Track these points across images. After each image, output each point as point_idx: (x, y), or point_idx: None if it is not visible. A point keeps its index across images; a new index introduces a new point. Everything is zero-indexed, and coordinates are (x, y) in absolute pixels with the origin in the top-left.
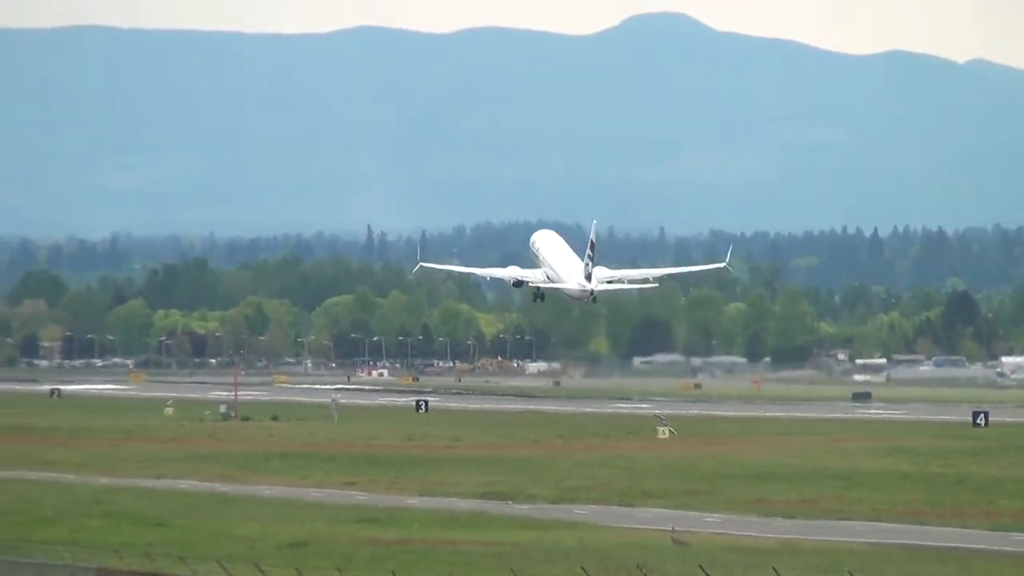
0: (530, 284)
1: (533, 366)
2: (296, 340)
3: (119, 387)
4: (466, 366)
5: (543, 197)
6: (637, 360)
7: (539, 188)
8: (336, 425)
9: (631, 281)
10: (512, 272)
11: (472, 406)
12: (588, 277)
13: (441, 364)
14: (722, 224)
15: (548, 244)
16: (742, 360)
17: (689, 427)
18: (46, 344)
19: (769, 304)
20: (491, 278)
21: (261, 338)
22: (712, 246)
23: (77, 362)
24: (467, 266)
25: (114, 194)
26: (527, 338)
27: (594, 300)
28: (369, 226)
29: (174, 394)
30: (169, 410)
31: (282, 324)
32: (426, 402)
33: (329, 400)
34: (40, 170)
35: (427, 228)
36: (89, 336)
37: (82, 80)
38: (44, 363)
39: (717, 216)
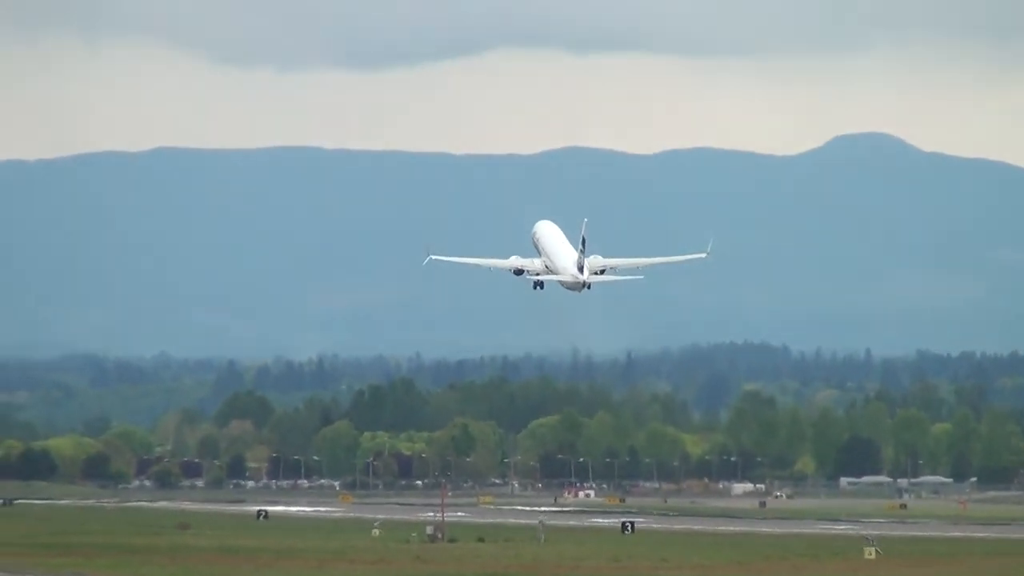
0: (528, 274)
1: (739, 487)
2: (502, 461)
3: (326, 508)
4: (672, 487)
5: (749, 318)
6: (844, 481)
7: (745, 309)
8: (543, 546)
9: (623, 270)
10: (513, 262)
11: (678, 527)
12: (581, 268)
13: (647, 485)
14: (928, 344)
15: (548, 235)
16: (948, 480)
17: (895, 548)
18: (253, 465)
19: (975, 424)
20: (493, 268)
21: (468, 459)
22: (918, 367)
23: (284, 483)
24: (474, 256)
25: (321, 315)
26: (733, 459)
27: (588, 288)
28: (576, 347)
29: (381, 515)
30: (376, 531)
31: (488, 445)
32: (632, 523)
33: (536, 521)
34: (248, 292)
35: (633, 349)
36: (296, 457)
37: (288, 200)
38: (251, 484)
39: (922, 337)
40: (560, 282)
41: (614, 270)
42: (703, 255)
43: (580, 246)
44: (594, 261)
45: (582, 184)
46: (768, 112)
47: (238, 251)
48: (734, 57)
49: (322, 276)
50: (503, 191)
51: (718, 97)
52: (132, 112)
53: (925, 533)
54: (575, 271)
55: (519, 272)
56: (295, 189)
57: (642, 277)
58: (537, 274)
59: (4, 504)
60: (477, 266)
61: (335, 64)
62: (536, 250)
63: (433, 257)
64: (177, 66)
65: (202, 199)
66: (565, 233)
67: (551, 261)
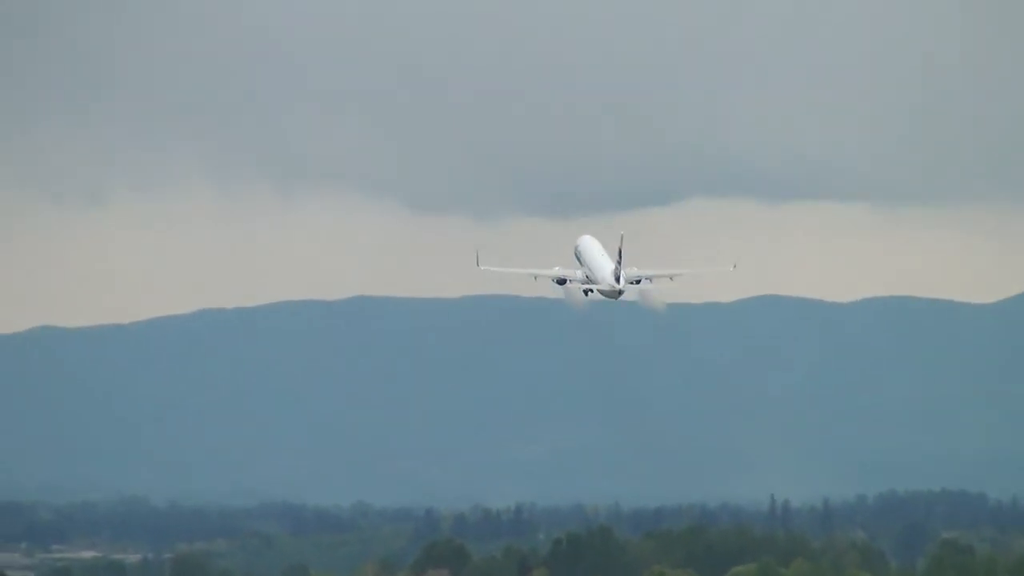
0: (571, 282)
1: None
2: None
3: None
4: None
5: (945, 464)
6: None
7: (941, 455)
8: None
9: (657, 278)
10: (556, 272)
11: None
12: (617, 278)
13: None
14: None
15: (588, 248)
16: None
17: None
18: None
19: None
20: (537, 277)
21: None
22: None
23: None
24: (525, 267)
25: (519, 463)
26: None
27: (621, 294)
28: (772, 495)
29: None
30: None
31: None
32: None
33: None
34: (445, 439)
35: (830, 496)
36: None
37: (486, 347)
38: None
39: None
40: (599, 290)
41: (649, 280)
42: (730, 268)
43: (617, 258)
44: (630, 272)
45: (779, 332)
46: (964, 259)
47: (435, 398)
48: (926, 205)
49: (520, 423)
50: (703, 339)
51: (912, 245)
52: (329, 261)
53: None
54: (612, 280)
55: (562, 281)
56: (493, 336)
57: (672, 281)
58: (582, 282)
59: None
60: (525, 275)
61: (533, 212)
62: (578, 261)
63: (482, 267)
64: (372, 215)
65: (400, 346)
66: (607, 248)
67: (591, 271)
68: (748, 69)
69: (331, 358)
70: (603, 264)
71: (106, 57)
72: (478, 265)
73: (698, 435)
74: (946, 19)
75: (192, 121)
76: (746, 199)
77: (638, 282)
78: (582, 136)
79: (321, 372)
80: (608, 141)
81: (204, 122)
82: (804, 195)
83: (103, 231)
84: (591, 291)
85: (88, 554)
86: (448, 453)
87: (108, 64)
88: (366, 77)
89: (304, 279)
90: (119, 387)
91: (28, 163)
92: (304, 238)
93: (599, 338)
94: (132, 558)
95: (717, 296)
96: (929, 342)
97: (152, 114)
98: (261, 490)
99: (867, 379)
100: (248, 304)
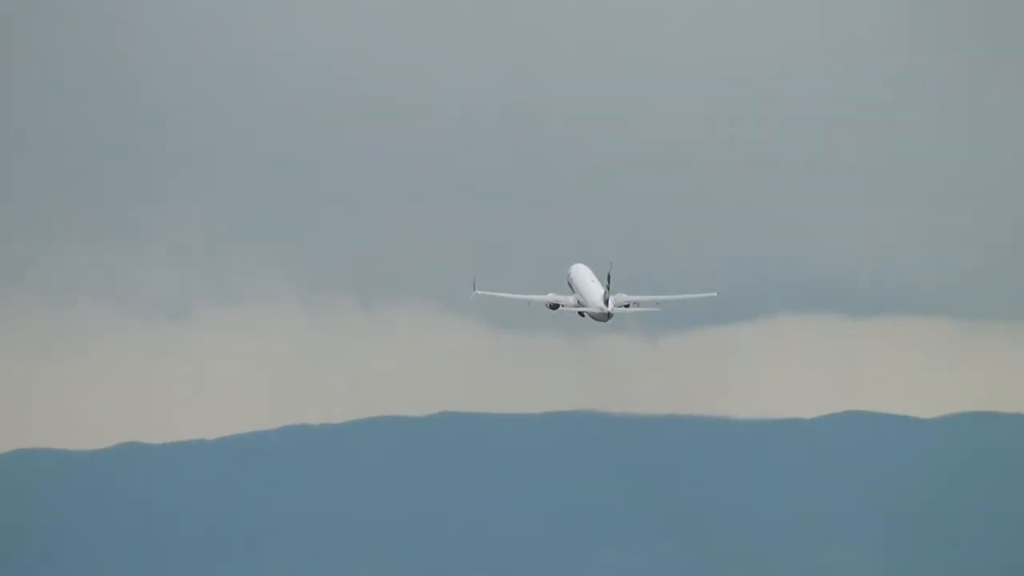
0: (563, 307)
1: None
2: None
3: None
4: None
5: None
6: None
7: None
8: None
9: (644, 304)
10: (549, 298)
11: None
12: (606, 302)
13: None
14: None
15: (579, 275)
16: None
17: None
18: None
19: None
20: (530, 303)
21: None
22: None
23: None
24: (521, 294)
25: (609, 574)
26: None
27: (610, 317)
28: None
29: None
30: None
31: None
32: None
33: None
34: (535, 552)
35: None
36: None
37: (568, 463)
38: None
39: None
40: (589, 313)
41: (637, 304)
42: (712, 294)
43: (606, 283)
44: (619, 297)
45: (863, 448)
46: None
47: (523, 510)
48: (1007, 319)
49: (602, 536)
50: (786, 455)
51: (994, 360)
52: (413, 376)
53: None
54: (601, 304)
55: (555, 307)
56: (579, 451)
57: (659, 309)
58: (574, 307)
59: None
60: (520, 301)
61: (619, 328)
62: (570, 288)
63: (478, 292)
64: (456, 328)
65: (486, 462)
66: (596, 273)
67: (582, 296)
68: (830, 186)
69: (417, 472)
70: (593, 289)
71: (185, 169)
72: (475, 290)
73: (783, 550)
74: None
75: (275, 234)
76: (828, 314)
77: (627, 306)
78: (668, 251)
79: (408, 488)
80: (695, 258)
81: (286, 235)
82: (886, 310)
83: (186, 345)
84: (583, 314)
85: None
86: (537, 565)
87: (189, 176)
88: (448, 189)
89: (390, 394)
90: (204, 504)
91: (109, 277)
92: (389, 352)
93: (685, 453)
94: None
95: (799, 412)
96: (1015, 457)
97: (234, 226)
98: None
99: (951, 495)
100: (334, 420)
